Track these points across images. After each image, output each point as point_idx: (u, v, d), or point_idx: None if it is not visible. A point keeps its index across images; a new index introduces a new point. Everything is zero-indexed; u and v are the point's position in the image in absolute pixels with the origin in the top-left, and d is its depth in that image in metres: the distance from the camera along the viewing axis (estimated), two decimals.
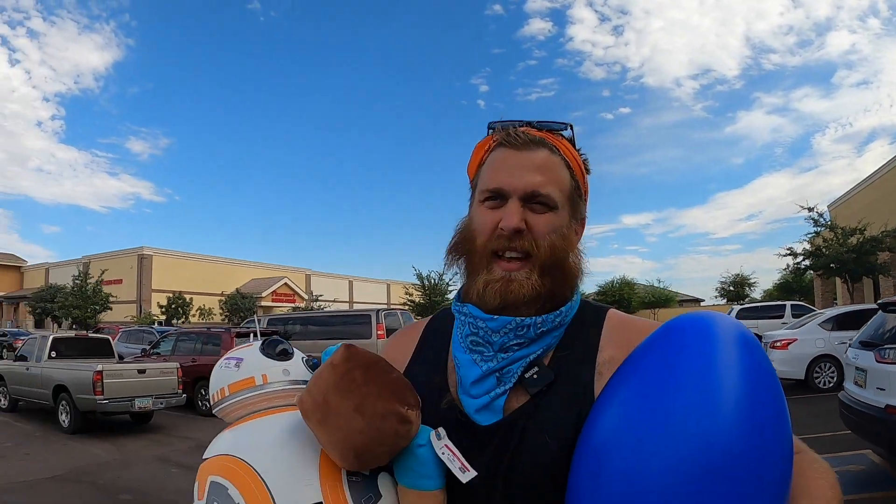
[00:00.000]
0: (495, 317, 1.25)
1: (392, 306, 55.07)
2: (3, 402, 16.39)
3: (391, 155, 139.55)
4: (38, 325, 64.65)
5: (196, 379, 16.15)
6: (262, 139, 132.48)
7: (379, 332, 19.50)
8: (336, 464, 1.19)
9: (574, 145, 1.37)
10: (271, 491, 1.13)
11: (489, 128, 1.37)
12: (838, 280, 35.39)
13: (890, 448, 7.55)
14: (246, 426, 1.32)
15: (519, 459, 1.20)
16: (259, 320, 26.26)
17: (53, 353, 14.81)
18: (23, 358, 15.94)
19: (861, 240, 30.58)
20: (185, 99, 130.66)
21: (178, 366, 14.78)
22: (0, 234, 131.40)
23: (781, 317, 25.99)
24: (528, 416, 1.23)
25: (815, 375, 15.43)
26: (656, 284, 71.30)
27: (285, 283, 74.87)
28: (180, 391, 14.44)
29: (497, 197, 1.29)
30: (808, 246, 33.59)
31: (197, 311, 59.33)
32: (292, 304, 70.59)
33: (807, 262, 34.17)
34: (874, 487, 7.33)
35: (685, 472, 0.96)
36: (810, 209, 32.21)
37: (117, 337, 26.48)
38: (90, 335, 17.34)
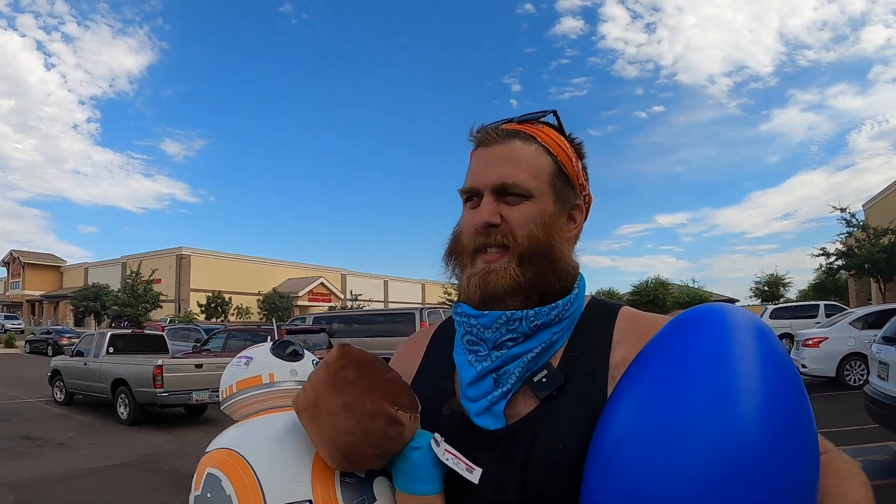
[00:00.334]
0: (485, 312, 1.24)
1: (428, 305, 55.52)
2: (59, 395, 17.11)
3: (424, 156, 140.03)
4: (78, 323, 65.66)
5: None
6: (296, 140, 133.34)
7: None
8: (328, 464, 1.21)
9: (562, 132, 1.35)
10: (262, 485, 1.15)
11: (470, 133, 1.36)
12: (872, 280, 35.31)
13: None
14: (249, 423, 1.35)
15: (529, 466, 1.16)
16: (305, 318, 26.67)
17: (111, 349, 15.54)
18: (80, 354, 16.63)
19: (893, 240, 30.51)
20: (218, 100, 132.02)
21: None
22: (38, 235, 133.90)
23: (815, 317, 25.87)
24: (539, 421, 1.19)
25: (846, 373, 15.60)
26: (691, 285, 70.65)
27: (321, 283, 75.55)
28: None
29: (474, 196, 1.30)
30: (840, 246, 33.53)
31: (234, 310, 60.02)
32: (328, 304, 71.02)
33: (839, 263, 34.14)
34: None
35: (703, 471, 0.91)
36: (842, 210, 32.18)
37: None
38: (146, 332, 18.17)
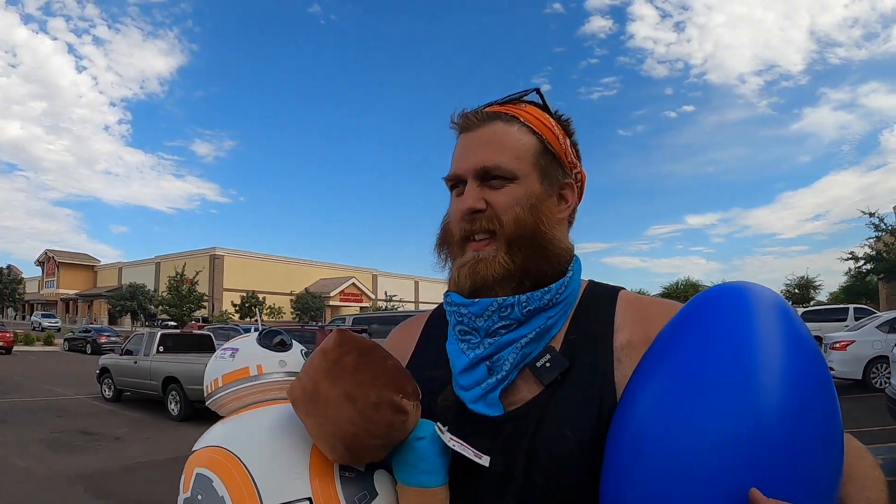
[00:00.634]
0: (475, 300, 1.20)
1: None
2: (108, 392, 17.81)
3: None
4: (112, 321, 66.79)
5: None
6: (325, 141, 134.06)
7: None
8: (328, 458, 1.15)
9: (547, 110, 1.31)
10: (257, 484, 1.10)
11: (451, 119, 1.31)
12: None
13: None
14: (238, 418, 1.29)
15: (535, 454, 1.12)
16: (345, 319, 26.93)
17: (161, 349, 16.18)
18: (129, 353, 17.33)
19: None
20: (247, 101, 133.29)
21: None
22: (70, 234, 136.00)
23: (844, 320, 25.70)
24: (542, 407, 1.15)
25: (872, 375, 15.78)
26: None
27: (353, 283, 75.91)
28: None
29: (458, 183, 1.27)
30: (869, 250, 33.49)
31: (267, 309, 60.55)
32: (359, 304, 71.64)
33: (868, 267, 34.15)
34: None
35: (728, 453, 0.91)
36: (871, 214, 32.14)
37: None
38: (193, 332, 19.00)
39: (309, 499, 1.10)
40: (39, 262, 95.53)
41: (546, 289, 1.20)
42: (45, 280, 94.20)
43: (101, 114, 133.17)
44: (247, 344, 1.41)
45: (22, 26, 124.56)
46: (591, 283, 1.34)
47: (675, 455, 0.95)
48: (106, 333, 41.01)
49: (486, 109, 1.29)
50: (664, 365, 1.06)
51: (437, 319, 1.44)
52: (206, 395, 1.41)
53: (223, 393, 1.35)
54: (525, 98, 1.31)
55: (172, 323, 47.00)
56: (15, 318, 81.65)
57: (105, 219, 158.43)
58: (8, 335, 36.67)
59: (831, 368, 15.58)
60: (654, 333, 1.15)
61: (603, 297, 1.29)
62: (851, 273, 35.76)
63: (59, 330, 57.15)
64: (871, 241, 33.25)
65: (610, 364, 1.18)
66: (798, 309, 33.05)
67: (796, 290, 58.84)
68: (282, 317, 62.54)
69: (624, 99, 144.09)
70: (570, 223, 1.34)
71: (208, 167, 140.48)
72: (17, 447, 11.21)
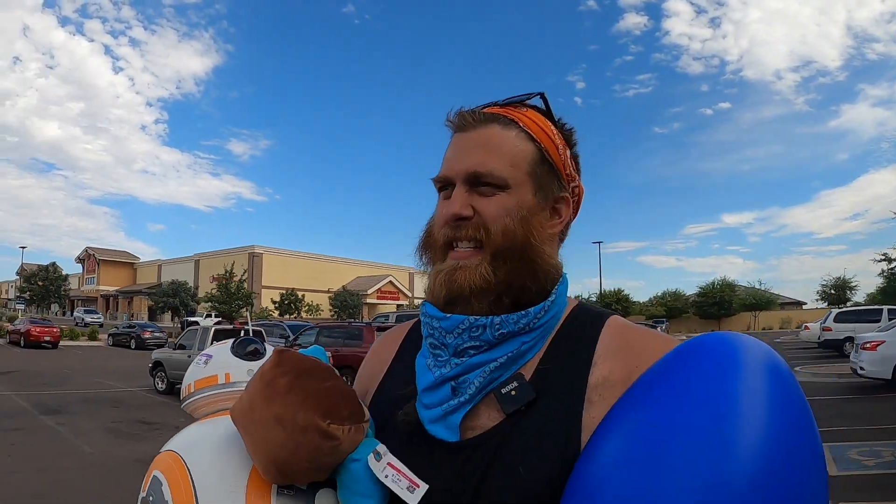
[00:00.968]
0: (448, 315, 1.13)
1: None
2: (160, 385, 18.58)
3: None
4: (152, 317, 68.09)
5: (339, 368, 17.23)
6: (359, 139, 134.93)
7: None
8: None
9: (550, 116, 1.24)
10: (197, 494, 1.10)
11: (447, 117, 1.24)
12: None
13: None
14: (202, 425, 1.29)
15: (483, 486, 1.04)
16: (388, 316, 27.32)
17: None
18: (182, 347, 18.12)
19: None
20: (283, 101, 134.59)
21: (330, 355, 16.01)
22: (108, 232, 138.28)
23: (878, 321, 25.52)
24: (502, 437, 1.07)
25: None
26: (757, 286, 69.92)
27: (390, 281, 76.24)
28: None
29: (447, 185, 1.19)
30: None
31: (305, 307, 61.56)
32: (396, 302, 72.11)
33: None
34: None
35: None
36: None
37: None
38: (246, 327, 19.29)
39: None
40: (80, 260, 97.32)
41: (523, 312, 1.12)
42: (86, 277, 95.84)
43: (137, 114, 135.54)
44: (220, 351, 1.45)
45: (59, 28, 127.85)
46: (579, 306, 1.24)
47: None
48: (150, 329, 41.93)
49: (485, 110, 1.22)
50: (636, 414, 0.98)
51: (417, 330, 1.35)
52: (181, 398, 1.47)
53: (194, 398, 1.41)
54: (528, 102, 1.25)
55: (193, 319, 47.95)
56: (58, 314, 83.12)
57: (142, 217, 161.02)
58: (55, 330, 37.76)
59: (861, 368, 16.15)
60: (636, 372, 1.08)
61: (587, 324, 1.19)
62: (885, 274, 35.47)
63: (101, 325, 58.53)
64: None
65: (580, 402, 1.08)
66: (833, 310, 32.81)
67: (832, 291, 58.61)
68: (320, 314, 62.87)
69: (659, 96, 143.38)
70: (562, 240, 1.27)
71: (244, 166, 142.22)
72: (82, 434, 11.79)
